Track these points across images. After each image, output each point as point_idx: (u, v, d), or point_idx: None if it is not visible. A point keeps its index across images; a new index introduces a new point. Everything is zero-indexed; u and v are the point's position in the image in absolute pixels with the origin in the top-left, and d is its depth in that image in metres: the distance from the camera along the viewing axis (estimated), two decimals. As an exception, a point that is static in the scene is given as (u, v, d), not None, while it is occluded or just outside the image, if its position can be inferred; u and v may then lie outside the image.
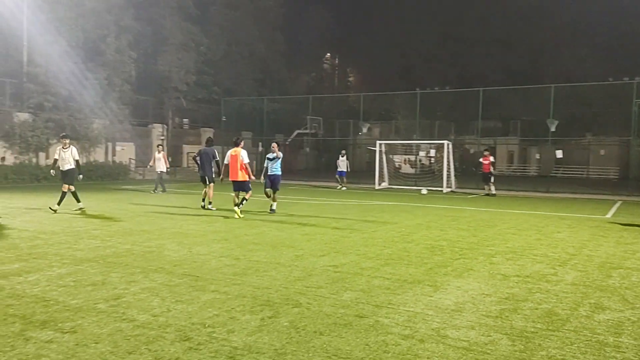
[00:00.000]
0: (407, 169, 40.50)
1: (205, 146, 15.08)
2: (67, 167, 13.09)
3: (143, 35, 31.07)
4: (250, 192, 12.97)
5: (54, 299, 5.43)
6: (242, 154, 12.65)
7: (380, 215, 14.07)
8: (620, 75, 34.89)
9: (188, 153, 37.08)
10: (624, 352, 4.29)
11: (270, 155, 13.66)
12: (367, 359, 4.01)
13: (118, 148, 31.41)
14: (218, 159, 14.62)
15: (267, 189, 13.64)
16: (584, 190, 24.48)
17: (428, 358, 4.06)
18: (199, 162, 14.92)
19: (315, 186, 27.07)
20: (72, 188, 13.17)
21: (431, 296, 5.86)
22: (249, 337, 4.42)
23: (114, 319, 4.82)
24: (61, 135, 13.84)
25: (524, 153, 49.12)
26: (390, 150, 34.55)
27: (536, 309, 5.47)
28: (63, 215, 12.53)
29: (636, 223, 13.12)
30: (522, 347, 4.36)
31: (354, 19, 52.58)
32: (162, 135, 34.57)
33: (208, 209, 14.17)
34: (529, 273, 7.15)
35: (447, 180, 24.38)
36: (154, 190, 20.04)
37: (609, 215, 15.09)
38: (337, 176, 24.69)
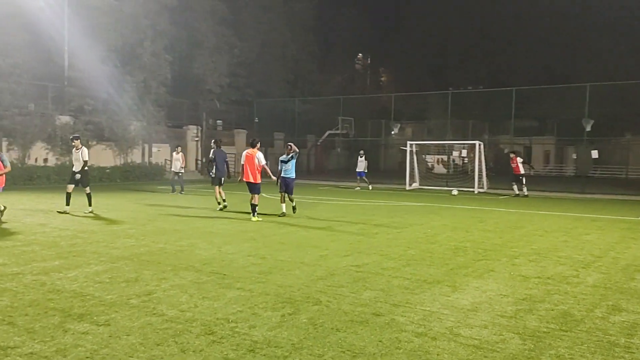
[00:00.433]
0: (440, 169, 40.28)
1: (216, 148, 15.43)
2: (77, 168, 13.13)
3: (178, 39, 31.83)
4: (257, 195, 12.63)
5: (91, 294, 5.81)
6: (258, 156, 12.52)
7: (407, 216, 14.18)
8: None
9: (222, 154, 37.74)
10: (633, 353, 4.37)
11: (283, 158, 13.35)
12: (379, 355, 4.21)
13: (154, 149, 32.26)
14: (227, 159, 15.48)
15: (282, 192, 13.39)
16: (621, 191, 23.94)
17: (438, 355, 4.24)
18: (215, 163, 15.29)
19: (345, 187, 27.23)
20: (70, 189, 13.11)
21: (449, 296, 6.01)
22: (269, 332, 4.68)
23: (145, 314, 5.15)
24: (71, 137, 13.81)
25: (560, 153, 48.17)
26: (423, 150, 34.48)
27: (552, 310, 5.57)
28: (101, 215, 13.09)
29: (670, 225, 12.87)
30: (532, 346, 4.49)
31: (387, 19, 52.57)
32: (197, 137, 35.34)
33: (223, 208, 14.56)
34: (550, 275, 7.21)
35: (479, 181, 24.20)
36: (180, 192, 20.05)
37: (643, 217, 14.82)
38: (360, 177, 24.78)
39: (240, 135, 38.92)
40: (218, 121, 37.98)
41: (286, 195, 13.36)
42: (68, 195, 13.11)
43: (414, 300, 5.79)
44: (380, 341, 4.51)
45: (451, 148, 34.41)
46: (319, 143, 41.64)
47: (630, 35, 43.18)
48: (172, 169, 20.76)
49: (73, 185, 13.16)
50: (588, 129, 24.83)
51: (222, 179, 15.07)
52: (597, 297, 6.10)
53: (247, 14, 37.01)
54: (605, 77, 34.01)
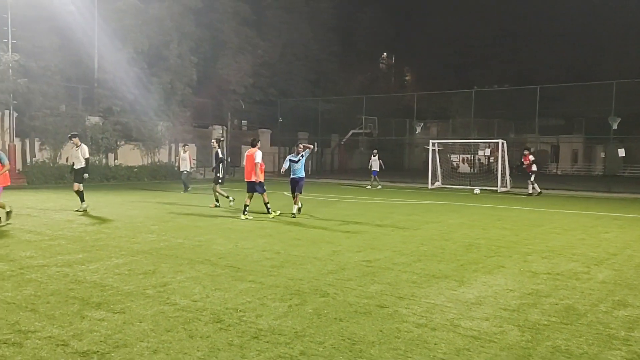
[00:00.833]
0: (464, 168, 39.98)
1: (219, 146, 15.62)
2: (77, 165, 13.11)
3: (203, 41, 32.36)
4: (265, 193, 12.76)
5: (109, 285, 6.10)
6: (257, 155, 12.45)
7: (425, 214, 14.24)
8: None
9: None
10: (631, 345, 4.43)
11: (293, 157, 13.00)
12: (378, 343, 4.37)
13: (180, 149, 32.85)
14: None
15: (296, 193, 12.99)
16: (650, 191, 23.47)
17: (435, 344, 4.37)
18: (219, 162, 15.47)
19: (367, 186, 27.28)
20: (81, 187, 13.13)
21: (455, 290, 6.12)
22: (274, 321, 4.87)
23: (159, 303, 5.40)
24: (69, 135, 13.65)
25: (589, 152, 47.29)
26: (448, 149, 34.28)
27: (556, 304, 5.63)
28: (126, 211, 13.50)
29: (694, 224, 12.65)
30: (530, 337, 4.59)
31: (410, 17, 52.33)
32: (222, 137, 35.83)
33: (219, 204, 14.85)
34: (560, 271, 7.24)
35: (502, 180, 24.02)
36: (185, 190, 19.99)
37: (667, 216, 14.57)
38: (374, 175, 24.87)
39: (265, 135, 39.33)
40: (243, 121, 38.44)
41: (297, 195, 13.03)
42: (80, 194, 13.21)
43: (420, 294, 5.92)
44: (380, 331, 4.67)
45: (476, 147, 34.19)
46: (342, 142, 41.78)
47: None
48: (181, 169, 20.65)
49: (80, 184, 13.16)
50: (615, 127, 24.40)
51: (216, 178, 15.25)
52: (605, 293, 6.12)
53: (269, 14, 37.38)
54: (633, 74, 33.27)
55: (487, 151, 28.97)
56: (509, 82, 45.73)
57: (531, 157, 21.65)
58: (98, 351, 4.09)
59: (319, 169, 38.69)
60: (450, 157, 37.49)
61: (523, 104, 36.99)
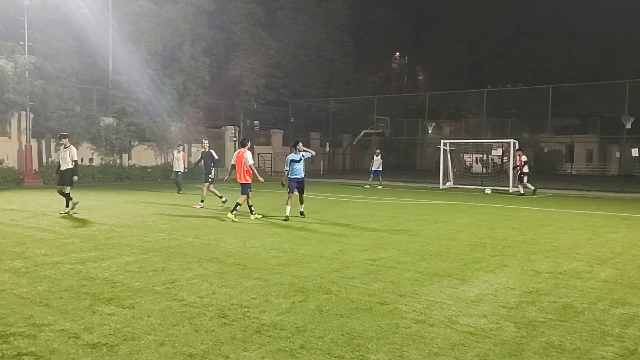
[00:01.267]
0: (477, 168, 39.87)
1: (203, 149, 15.58)
2: (64, 167, 12.68)
3: (216, 42, 32.69)
4: (244, 197, 12.27)
5: (120, 281, 6.31)
6: (247, 156, 12.15)
7: (434, 214, 14.32)
8: None
9: (259, 154, 38.51)
10: (623, 342, 4.52)
11: (294, 157, 12.44)
12: (375, 338, 4.51)
13: (193, 149, 33.18)
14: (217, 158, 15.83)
15: (291, 194, 12.43)
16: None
17: (431, 339, 4.51)
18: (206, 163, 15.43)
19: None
20: (67, 190, 12.69)
21: (456, 288, 6.24)
22: (277, 317, 5.04)
23: (167, 299, 5.60)
24: (59, 135, 13.26)
25: (604, 151, 46.85)
26: (461, 149, 34.23)
27: (555, 302, 5.72)
28: (138, 211, 13.76)
29: None
30: (526, 333, 4.70)
31: (423, 17, 52.26)
32: (235, 137, 36.14)
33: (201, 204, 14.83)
34: (563, 270, 7.31)
35: (514, 180, 23.94)
36: (178, 191, 19.79)
37: (679, 216, 14.49)
38: (375, 175, 24.93)
39: (277, 135, 39.58)
40: (255, 121, 38.72)
41: (298, 196, 12.66)
42: (67, 196, 12.78)
43: (421, 292, 6.05)
44: (379, 326, 4.81)
45: (490, 147, 34.10)
46: (354, 142, 41.88)
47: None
48: (175, 169, 20.38)
49: (69, 187, 12.74)
50: (628, 126, 24.22)
51: (206, 176, 15.22)
52: (604, 292, 6.20)
53: (282, 15, 37.63)
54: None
55: (499, 151, 28.85)
56: (523, 82, 45.53)
57: (524, 158, 21.73)
58: (107, 343, 4.29)
59: (330, 169, 38.84)
60: (463, 157, 37.43)
61: (536, 103, 36.86)
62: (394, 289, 6.12)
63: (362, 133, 39.56)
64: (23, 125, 24.19)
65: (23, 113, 23.99)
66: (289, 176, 12.43)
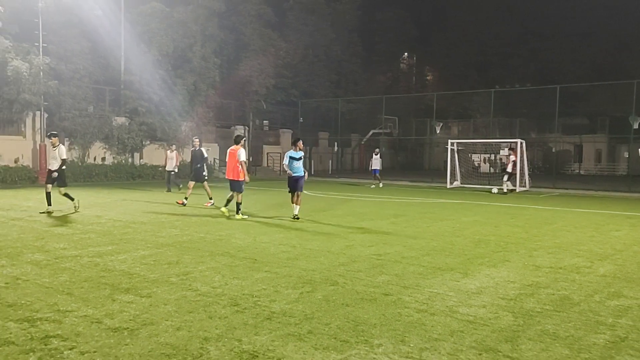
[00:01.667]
0: (486, 167, 39.96)
1: (194, 148, 15.56)
2: (55, 165, 12.45)
3: (226, 43, 33.06)
4: (241, 194, 12.35)
5: (137, 273, 6.62)
6: (240, 152, 12.14)
7: (440, 212, 14.54)
8: None
9: (268, 153, 38.87)
10: (615, 330, 4.76)
11: (295, 154, 12.20)
12: (379, 325, 4.78)
13: (204, 149, 33.57)
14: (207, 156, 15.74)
15: (295, 192, 12.24)
16: (671, 190, 23.31)
17: (432, 327, 4.77)
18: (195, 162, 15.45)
19: (388, 185, 27.58)
20: (49, 188, 12.48)
21: (458, 281, 6.49)
22: (286, 305, 5.32)
23: (182, 289, 5.90)
24: (49, 133, 12.98)
25: (612, 151, 46.72)
26: (470, 149, 34.36)
27: (553, 294, 5.96)
28: (151, 208, 14.10)
29: None
30: (522, 322, 4.95)
31: (431, 17, 52.33)
32: (244, 137, 36.48)
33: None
34: (563, 265, 7.54)
35: (521, 179, 24.11)
36: (168, 190, 19.68)
37: (684, 215, 14.62)
38: (374, 174, 25.17)
39: (286, 135, 39.88)
40: (265, 121, 39.06)
41: (297, 195, 12.27)
42: (48, 195, 12.55)
43: (424, 284, 6.30)
44: (383, 315, 5.08)
45: (498, 147, 34.20)
46: (363, 142, 42.10)
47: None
48: (167, 168, 20.11)
49: (51, 185, 12.49)
50: (636, 126, 24.29)
51: (196, 175, 15.17)
52: (602, 285, 6.43)
53: (291, 16, 37.91)
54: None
55: (506, 151, 28.95)
56: (532, 81, 45.53)
57: (512, 158, 21.94)
58: (128, 327, 4.59)
59: (339, 169, 39.10)
60: (471, 157, 37.55)
61: (545, 103, 36.87)
62: (398, 282, 6.38)
63: (371, 133, 39.78)
64: (37, 125, 24.66)
65: (38, 113, 24.45)
66: (291, 175, 12.17)
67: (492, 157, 40.45)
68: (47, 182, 12.62)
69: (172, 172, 19.93)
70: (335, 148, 40.23)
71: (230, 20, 33.40)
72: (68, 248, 8.21)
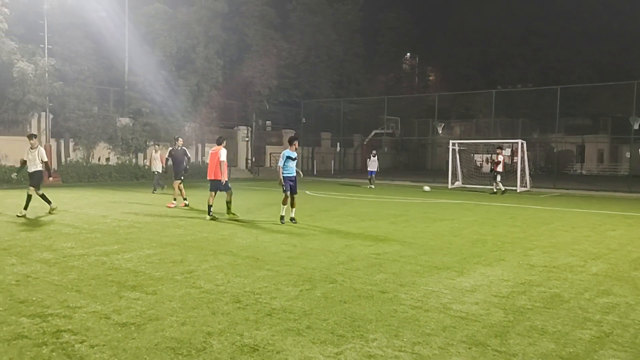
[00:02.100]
0: (488, 168, 40.10)
1: (176, 147, 15.23)
2: (33, 168, 12.22)
3: (229, 44, 33.32)
4: (230, 191, 12.37)
5: (142, 271, 6.85)
6: (221, 152, 12.11)
7: (440, 212, 14.74)
8: None
9: (271, 154, 39.11)
10: (601, 326, 4.96)
11: (292, 154, 11.66)
12: (375, 320, 4.99)
13: (207, 149, 33.85)
14: (189, 156, 15.57)
15: (287, 193, 11.65)
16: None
17: (425, 322, 4.98)
18: (170, 161, 15.24)
19: (390, 185, 27.78)
20: (40, 192, 12.35)
21: (453, 279, 6.69)
22: (286, 302, 5.54)
23: (186, 286, 6.12)
24: (28, 134, 12.73)
25: (615, 152, 46.83)
26: (472, 149, 34.53)
27: (544, 292, 6.16)
28: (155, 209, 14.34)
29: None
30: (512, 318, 5.15)
31: (433, 18, 52.49)
32: (247, 137, 36.77)
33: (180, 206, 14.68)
34: (557, 264, 7.73)
35: (522, 179, 24.28)
36: (154, 191, 19.65)
37: (681, 215, 14.78)
38: (370, 175, 25.00)
39: (288, 136, 40.04)
40: (267, 122, 39.31)
41: (290, 198, 11.74)
42: (29, 198, 12.20)
43: (420, 282, 6.51)
44: (379, 311, 5.29)
45: (501, 147, 34.34)
46: (365, 142, 42.29)
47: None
48: (152, 169, 20.09)
49: (33, 187, 12.33)
50: (636, 127, 24.42)
51: (177, 174, 15.05)
52: (593, 283, 6.62)
53: (294, 17, 38.14)
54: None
55: (508, 151, 29.15)
56: (534, 82, 45.65)
57: (500, 158, 22.06)
58: (135, 323, 4.82)
59: (341, 169, 39.31)
60: (473, 157, 37.70)
61: (547, 103, 37.02)
62: (395, 280, 6.59)
63: (373, 133, 39.96)
64: (43, 126, 24.96)
65: (43, 114, 24.78)
66: (283, 174, 11.56)
67: (495, 157, 40.50)
68: (31, 185, 12.26)
69: (157, 173, 19.74)
70: (338, 148, 40.44)
71: (233, 21, 33.66)
72: (75, 247, 8.44)
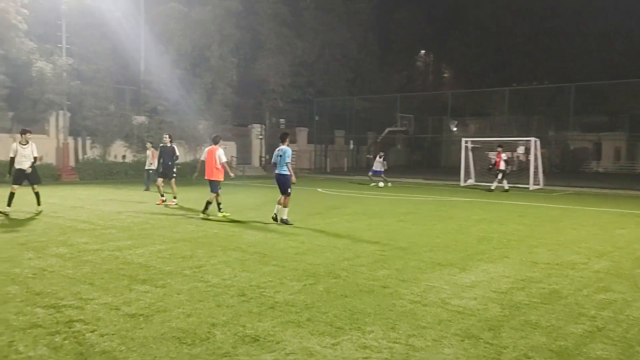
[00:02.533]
0: (502, 165, 39.85)
1: (166, 144, 15.14)
2: (27, 164, 11.88)
3: (243, 42, 33.60)
4: (214, 194, 12.17)
5: (153, 266, 7.10)
6: (219, 153, 12.08)
7: (451, 210, 14.83)
8: None
9: (284, 151, 39.32)
10: (595, 322, 5.07)
11: (280, 150, 11.22)
12: (373, 314, 5.17)
13: (175, 146, 34.08)
14: (178, 154, 15.41)
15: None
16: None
17: (422, 316, 5.14)
18: (162, 159, 15.19)
19: (403, 183, 27.83)
20: (15, 189, 11.94)
21: (455, 275, 6.83)
22: (289, 296, 5.73)
23: (194, 280, 6.35)
24: (21, 130, 12.36)
25: (632, 149, 46.24)
26: (487, 147, 34.38)
27: (543, 288, 6.27)
28: (171, 206, 14.62)
29: None
30: (508, 313, 5.29)
31: (447, 15, 52.14)
32: (261, 135, 37.04)
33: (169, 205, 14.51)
34: (560, 262, 7.82)
35: (535, 177, 24.20)
36: (145, 189, 19.45)
37: (694, 214, 14.68)
38: (379, 175, 24.93)
39: (302, 133, 40.32)
40: (281, 119, 39.55)
41: (282, 197, 11.26)
42: (11, 196, 11.82)
43: (422, 278, 6.66)
44: (378, 305, 5.46)
45: (516, 145, 34.18)
46: (378, 140, 42.32)
47: None
48: (146, 167, 19.92)
49: (18, 186, 11.98)
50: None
51: (167, 173, 15.10)
52: (593, 280, 6.71)
53: (307, 15, 38.27)
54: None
55: (522, 149, 29.03)
56: (549, 79, 45.24)
57: (503, 156, 22.12)
58: (143, 314, 5.05)
59: (354, 167, 39.41)
60: (489, 155, 37.55)
61: (563, 101, 36.72)
62: (397, 275, 6.75)
63: (386, 131, 39.92)
64: (61, 124, 25.46)
65: (61, 112, 25.26)
66: (277, 172, 11.21)
67: (510, 155, 40.39)
68: (14, 183, 11.91)
69: (150, 171, 19.56)
70: (351, 146, 40.55)
71: (247, 19, 33.90)
72: (90, 242, 8.73)
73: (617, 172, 43.41)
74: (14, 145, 11.93)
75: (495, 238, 9.86)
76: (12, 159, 11.85)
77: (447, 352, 4.26)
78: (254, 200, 16.58)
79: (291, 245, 8.79)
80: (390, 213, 13.71)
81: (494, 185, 22.32)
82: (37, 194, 12.34)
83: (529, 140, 25.63)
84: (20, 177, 11.97)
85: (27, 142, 11.99)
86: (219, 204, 12.41)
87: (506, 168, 22.46)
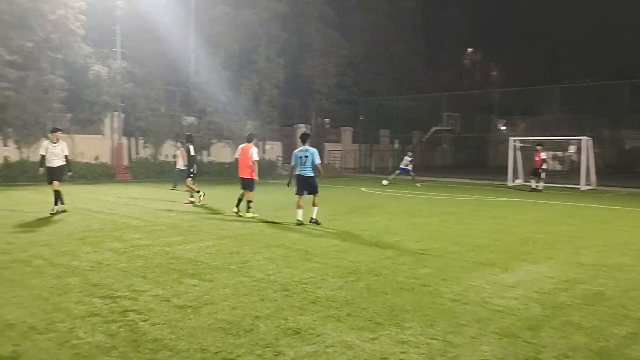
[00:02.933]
0: (554, 165, 38.85)
1: (188, 143, 15.42)
2: (57, 163, 12.02)
3: (289, 44, 33.98)
4: (252, 192, 12.29)
5: (201, 261, 7.40)
6: (252, 151, 12.15)
7: (495, 210, 14.64)
8: None
9: (329, 151, 39.56)
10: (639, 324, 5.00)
11: (305, 151, 11.19)
12: (412, 311, 5.26)
13: (267, 146, 34.73)
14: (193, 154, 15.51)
15: (301, 195, 11.28)
16: None
17: (461, 314, 5.19)
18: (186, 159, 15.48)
19: (448, 183, 27.55)
20: (57, 186, 11.99)
21: (496, 275, 6.82)
22: (330, 292, 5.89)
23: (239, 275, 6.60)
24: (52, 128, 12.56)
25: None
26: (536, 146, 33.54)
27: (588, 290, 6.20)
28: (216, 203, 15.06)
29: None
30: (549, 313, 5.27)
31: (496, 12, 50.95)
32: (255, 135, 37.23)
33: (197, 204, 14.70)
34: (607, 263, 7.67)
35: (587, 178, 23.50)
36: (173, 187, 19.56)
37: None
38: (403, 172, 24.67)
39: (347, 133, 40.43)
40: (326, 119, 39.78)
41: (312, 198, 11.38)
42: (56, 193, 12.04)
43: (463, 277, 6.69)
44: (418, 303, 5.55)
45: (567, 144, 33.24)
46: (424, 139, 41.95)
47: None
48: (177, 166, 19.79)
49: (58, 182, 12.08)
50: None
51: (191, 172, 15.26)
52: (641, 283, 6.57)
53: (353, 16, 38.33)
54: None
55: (573, 148, 28.22)
56: (604, 76, 43.61)
57: (543, 155, 21.76)
58: (192, 306, 5.32)
59: (399, 166, 39.13)
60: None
61: (618, 98, 35.43)
62: (438, 274, 6.80)
63: (432, 130, 39.54)
64: (115, 125, 26.51)
65: (115, 113, 26.29)
66: (299, 174, 11.27)
67: (562, 154, 39.33)
68: (49, 182, 12.07)
69: (179, 170, 19.49)
70: (396, 145, 40.36)
71: (294, 21, 34.28)
72: (142, 238, 9.16)
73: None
74: (45, 143, 12.13)
75: (541, 239, 9.71)
76: (43, 157, 11.98)
77: (485, 349, 4.31)
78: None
79: (333, 243, 8.95)
80: (432, 212, 13.66)
81: (540, 185, 21.87)
82: (55, 193, 12.02)
83: (580, 140, 24.87)
84: (51, 175, 12.08)
85: (58, 141, 12.10)
86: (249, 202, 12.28)
87: (546, 167, 22.15)
